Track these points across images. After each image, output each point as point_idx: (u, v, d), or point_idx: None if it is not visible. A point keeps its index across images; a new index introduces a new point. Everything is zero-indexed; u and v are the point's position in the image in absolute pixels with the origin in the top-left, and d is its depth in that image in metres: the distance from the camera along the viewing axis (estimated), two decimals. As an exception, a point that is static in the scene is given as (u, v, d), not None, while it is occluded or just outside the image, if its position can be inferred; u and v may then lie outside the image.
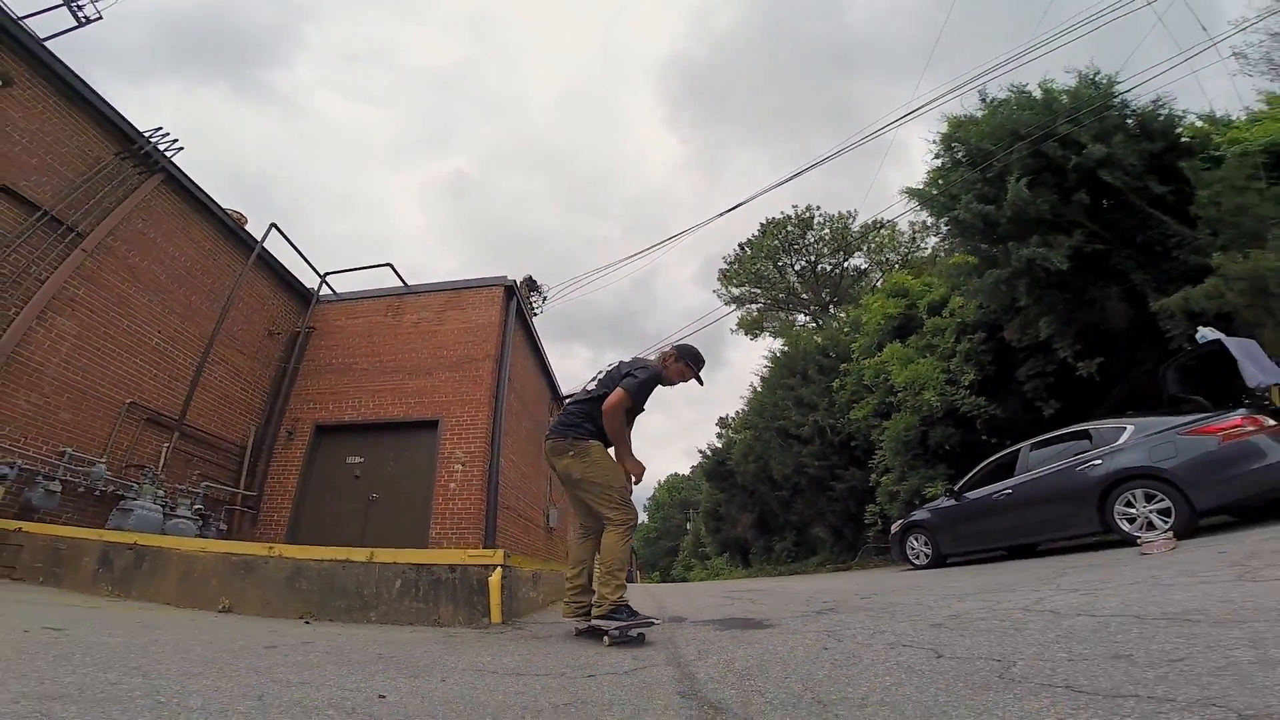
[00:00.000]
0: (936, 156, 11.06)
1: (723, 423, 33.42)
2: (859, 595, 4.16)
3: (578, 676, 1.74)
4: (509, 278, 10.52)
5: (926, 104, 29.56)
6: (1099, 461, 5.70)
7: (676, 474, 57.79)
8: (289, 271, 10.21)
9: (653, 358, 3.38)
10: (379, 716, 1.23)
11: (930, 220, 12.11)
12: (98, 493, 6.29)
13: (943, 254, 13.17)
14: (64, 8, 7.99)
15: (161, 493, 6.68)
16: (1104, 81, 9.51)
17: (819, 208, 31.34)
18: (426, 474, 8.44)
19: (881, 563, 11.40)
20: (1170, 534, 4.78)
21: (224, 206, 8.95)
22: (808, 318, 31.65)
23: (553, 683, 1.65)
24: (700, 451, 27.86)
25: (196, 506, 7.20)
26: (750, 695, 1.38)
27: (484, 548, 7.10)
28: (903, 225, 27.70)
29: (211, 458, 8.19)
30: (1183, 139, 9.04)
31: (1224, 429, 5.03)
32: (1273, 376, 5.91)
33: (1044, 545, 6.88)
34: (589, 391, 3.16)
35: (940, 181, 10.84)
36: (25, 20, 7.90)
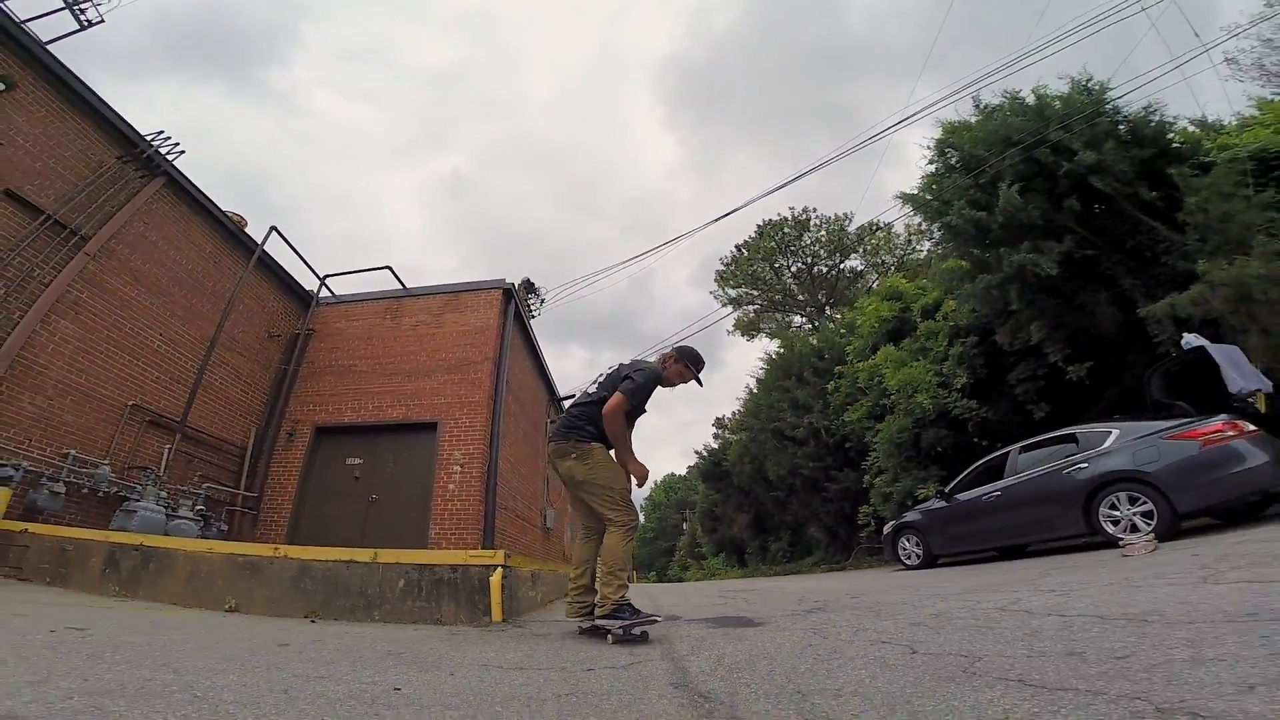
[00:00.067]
0: (930, 162, 11.20)
1: (719, 423, 33.57)
2: (849, 595, 4.28)
3: (577, 670, 1.86)
4: (507, 280, 10.61)
5: (924, 109, 29.75)
6: (1085, 465, 5.84)
7: (673, 474, 57.92)
8: (288, 274, 10.29)
9: (653, 359, 3.45)
10: (397, 706, 1.34)
11: (924, 225, 12.23)
12: (101, 494, 6.37)
13: (936, 258, 13.32)
14: (66, 11, 8.04)
15: (164, 494, 6.76)
16: (1096, 88, 9.63)
17: (815, 210, 31.54)
18: (425, 475, 8.54)
19: (875, 563, 11.55)
20: (1152, 536, 4.91)
21: (224, 209, 9.03)
22: (804, 319, 31.83)
23: (554, 676, 1.76)
24: (697, 452, 28.03)
25: (198, 507, 7.29)
26: (737, 686, 1.50)
27: (483, 548, 7.21)
28: (899, 228, 27.88)
29: (212, 459, 8.27)
30: (1174, 144, 9.16)
31: (1205, 434, 5.17)
32: (1254, 382, 6.07)
33: (1034, 546, 7.01)
34: (590, 395, 3.22)
35: (934, 187, 10.97)
36: (28, 24, 7.98)
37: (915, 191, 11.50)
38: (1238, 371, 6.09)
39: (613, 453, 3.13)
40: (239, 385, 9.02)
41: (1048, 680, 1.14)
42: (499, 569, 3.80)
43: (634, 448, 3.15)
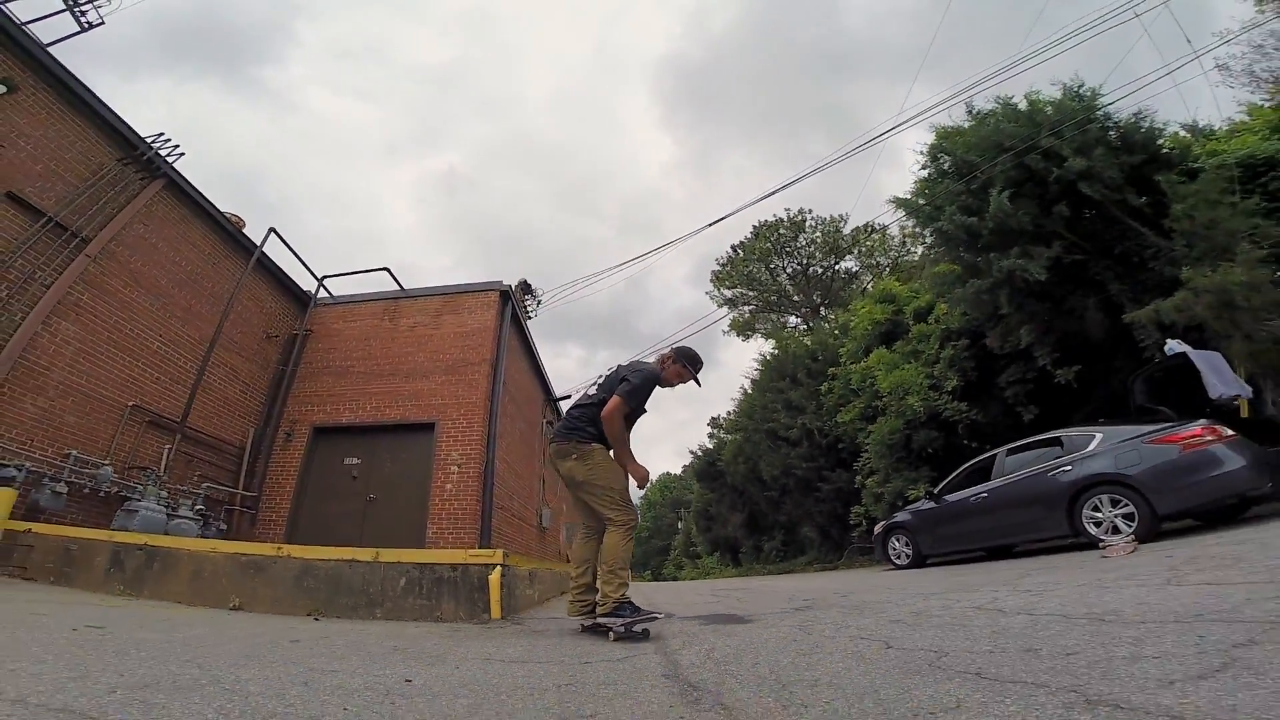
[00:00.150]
0: (923, 167, 11.34)
1: (714, 423, 33.72)
2: (837, 594, 4.42)
3: (575, 663, 1.98)
4: (504, 282, 10.71)
5: (919, 114, 29.98)
6: (1069, 467, 5.98)
7: (668, 473, 58.10)
8: (286, 275, 10.35)
9: (651, 360, 3.52)
10: (410, 696, 1.45)
11: (917, 229, 12.40)
12: (102, 494, 6.44)
13: (929, 262, 13.48)
14: (67, 13, 8.08)
15: (164, 494, 6.84)
16: (1088, 94, 9.77)
17: (811, 211, 31.70)
18: (423, 475, 8.63)
19: (866, 562, 11.71)
20: (1132, 538, 5.06)
21: (222, 210, 9.09)
22: (799, 320, 32.02)
23: (554, 668, 1.88)
24: (692, 452, 28.17)
25: (198, 507, 7.36)
26: (724, 677, 1.62)
27: (480, 547, 7.31)
28: (893, 230, 28.06)
29: (211, 459, 8.34)
30: (1164, 150, 9.28)
31: (1185, 438, 5.30)
32: (1233, 388, 6.23)
33: (1020, 547, 7.16)
34: (589, 396, 3.28)
35: (927, 192, 11.12)
36: (29, 25, 8.02)
37: (909, 196, 11.67)
38: (1218, 378, 6.25)
39: (612, 454, 3.18)
40: (237, 385, 9.09)
41: (1002, 674, 1.27)
42: (498, 568, 3.91)
43: (632, 447, 3.19)
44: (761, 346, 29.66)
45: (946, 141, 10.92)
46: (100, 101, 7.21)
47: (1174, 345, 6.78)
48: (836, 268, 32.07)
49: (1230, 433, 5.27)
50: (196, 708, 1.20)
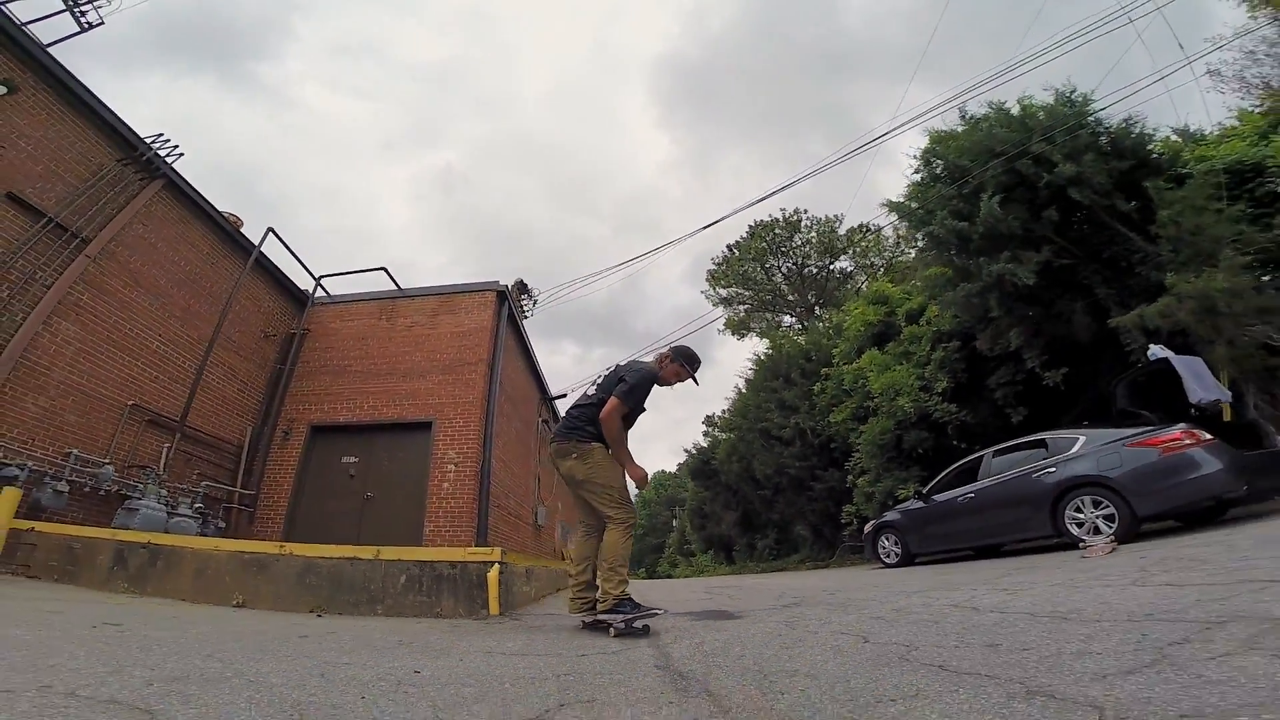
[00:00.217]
0: (916, 172, 11.48)
1: (709, 421, 33.88)
2: (825, 591, 4.56)
3: (572, 656, 2.10)
4: (501, 282, 10.80)
5: (914, 118, 30.15)
6: (1053, 469, 6.13)
7: (664, 471, 58.31)
8: (284, 274, 10.40)
9: (650, 359, 3.56)
10: (421, 685, 1.57)
11: (909, 232, 12.56)
12: (103, 492, 6.51)
13: (922, 265, 13.64)
14: (67, 13, 8.11)
15: (164, 492, 6.91)
16: (1080, 100, 9.89)
17: (806, 211, 31.90)
18: (420, 474, 8.73)
19: (857, 561, 11.88)
20: (1112, 539, 5.21)
21: (220, 209, 9.14)
22: (793, 319, 32.21)
23: (552, 660, 2.00)
24: (686, 450, 28.31)
25: (197, 505, 7.44)
26: (711, 668, 1.75)
27: (477, 545, 7.41)
28: (888, 231, 28.26)
29: (209, 457, 8.41)
30: (1154, 155, 9.38)
31: (1164, 442, 5.45)
32: (1213, 393, 6.39)
33: (1008, 546, 7.31)
34: (589, 397, 3.32)
35: (919, 196, 11.26)
36: (29, 26, 8.05)
37: (902, 199, 11.81)
38: (1199, 383, 6.40)
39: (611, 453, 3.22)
40: (235, 384, 9.15)
41: (962, 666, 1.39)
42: (496, 565, 4.03)
43: (630, 444, 3.24)
44: (756, 346, 29.81)
45: (939, 146, 11.05)
46: (100, 102, 7.25)
47: (1156, 350, 6.94)
48: (831, 268, 32.29)
49: (1208, 437, 5.41)
50: (228, 698, 1.30)
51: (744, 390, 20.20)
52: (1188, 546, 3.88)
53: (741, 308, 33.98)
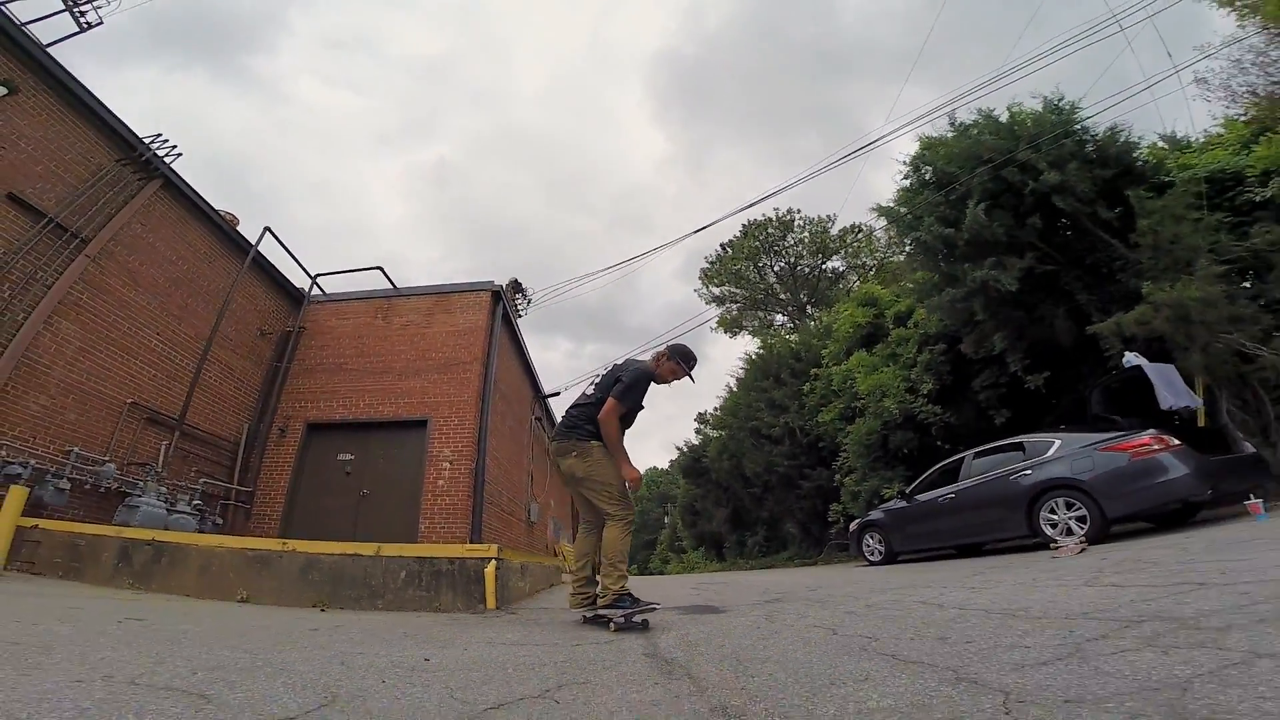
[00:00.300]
0: (905, 177, 11.69)
1: (701, 418, 34.13)
2: (808, 588, 4.77)
3: (568, 645, 2.29)
4: (495, 282, 10.94)
5: (908, 123, 30.45)
6: (1029, 471, 6.36)
7: (655, 468, 58.69)
8: (280, 272, 10.49)
9: (647, 358, 3.64)
10: (432, 671, 1.74)
11: (897, 237, 12.78)
12: (103, 490, 6.61)
13: (910, 270, 13.88)
14: (66, 13, 8.16)
15: (164, 489, 7.03)
16: (1067, 108, 10.09)
17: (799, 211, 32.16)
18: (415, 471, 8.88)
19: (843, 558, 12.15)
20: (1082, 540, 5.43)
21: (216, 208, 9.22)
22: (785, 318, 32.51)
23: (550, 649, 2.19)
24: (678, 448, 28.54)
25: (195, 502, 7.56)
26: (694, 656, 1.94)
27: (471, 542, 7.58)
28: (879, 232, 28.54)
29: (207, 454, 8.52)
30: (1138, 163, 9.56)
31: (1134, 447, 5.67)
32: (1183, 399, 6.66)
33: (989, 545, 7.55)
34: (588, 396, 3.39)
35: (908, 202, 11.48)
36: (28, 26, 8.09)
37: (891, 204, 12.03)
38: (1170, 390, 6.67)
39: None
40: (232, 382, 9.25)
41: (911, 656, 1.58)
42: (493, 561, 4.20)
43: (627, 442, 3.31)
44: (748, 344, 30.10)
45: (929, 152, 11.26)
46: (100, 103, 7.32)
47: (1131, 358, 7.19)
48: (823, 267, 32.60)
49: (1176, 442, 5.63)
50: (266, 684, 1.47)
51: (735, 389, 20.45)
52: (1148, 549, 4.10)
53: (734, 306, 34.24)
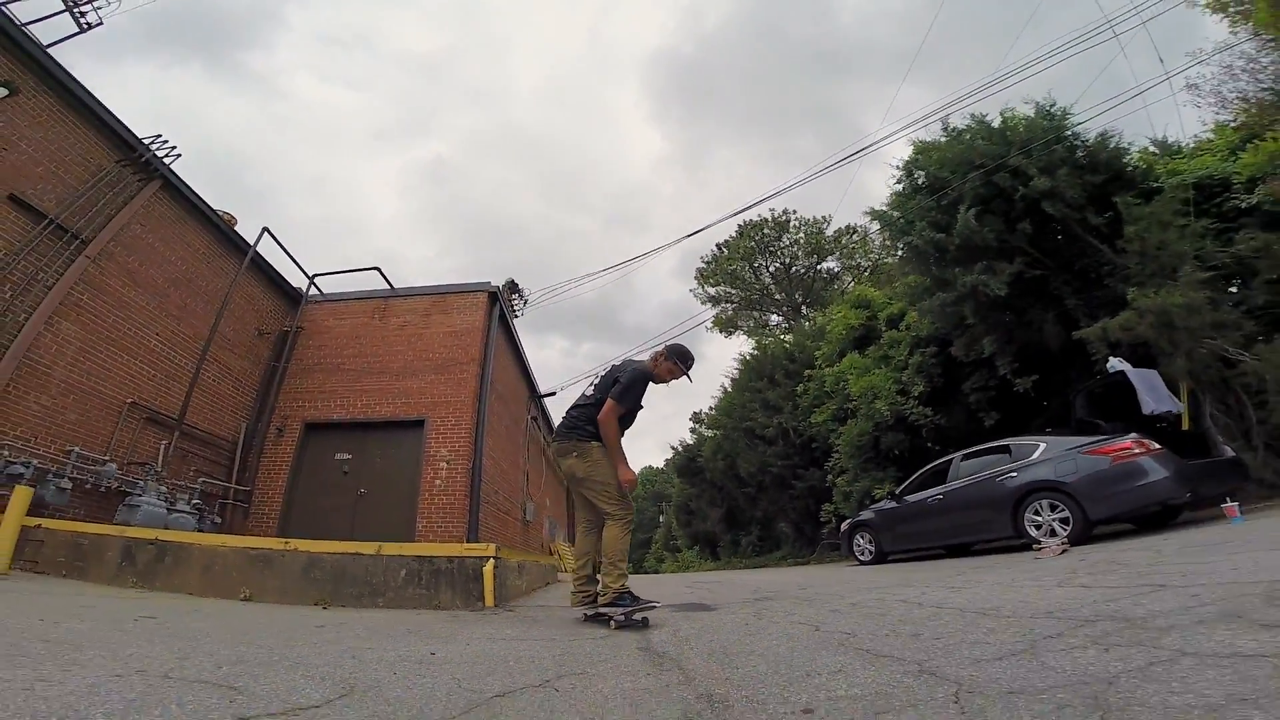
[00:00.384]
0: (898, 181, 11.84)
1: (696, 418, 34.26)
2: (798, 587, 4.90)
3: (565, 640, 2.42)
4: (492, 283, 11.04)
5: (903, 127, 30.63)
6: (1015, 474, 6.50)
7: (650, 467, 58.84)
8: (278, 272, 10.55)
9: (645, 357, 3.71)
10: (438, 663, 1.86)
11: (890, 241, 12.93)
12: (103, 489, 6.68)
13: (902, 273, 14.04)
14: (66, 14, 8.20)
15: (164, 489, 7.10)
16: (1058, 114, 10.23)
17: (795, 212, 32.34)
18: (412, 471, 8.97)
19: (835, 558, 12.31)
20: (1064, 541, 5.58)
21: (214, 208, 9.27)
22: (780, 318, 32.70)
23: (548, 644, 2.32)
24: (673, 447, 28.69)
25: (194, 501, 7.63)
26: (684, 650, 2.08)
27: (468, 541, 7.69)
28: (874, 233, 28.71)
29: (205, 454, 8.59)
30: (1128, 169, 9.68)
31: (1115, 450, 5.82)
32: (1165, 404, 6.83)
33: (978, 545, 7.69)
34: (587, 397, 3.45)
35: (901, 206, 11.62)
36: (28, 27, 8.13)
37: (885, 208, 12.17)
38: (1152, 395, 6.83)
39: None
40: (229, 381, 9.32)
41: (884, 650, 1.71)
42: (491, 560, 4.32)
43: (627, 439, 3.39)
44: (743, 345, 30.27)
45: (922, 157, 11.40)
46: (100, 104, 7.37)
47: (1115, 363, 7.35)
48: (819, 268, 32.79)
49: (1157, 446, 5.78)
50: (286, 676, 1.58)
51: (729, 389, 20.60)
52: (1123, 551, 4.25)
53: (729, 306, 34.41)
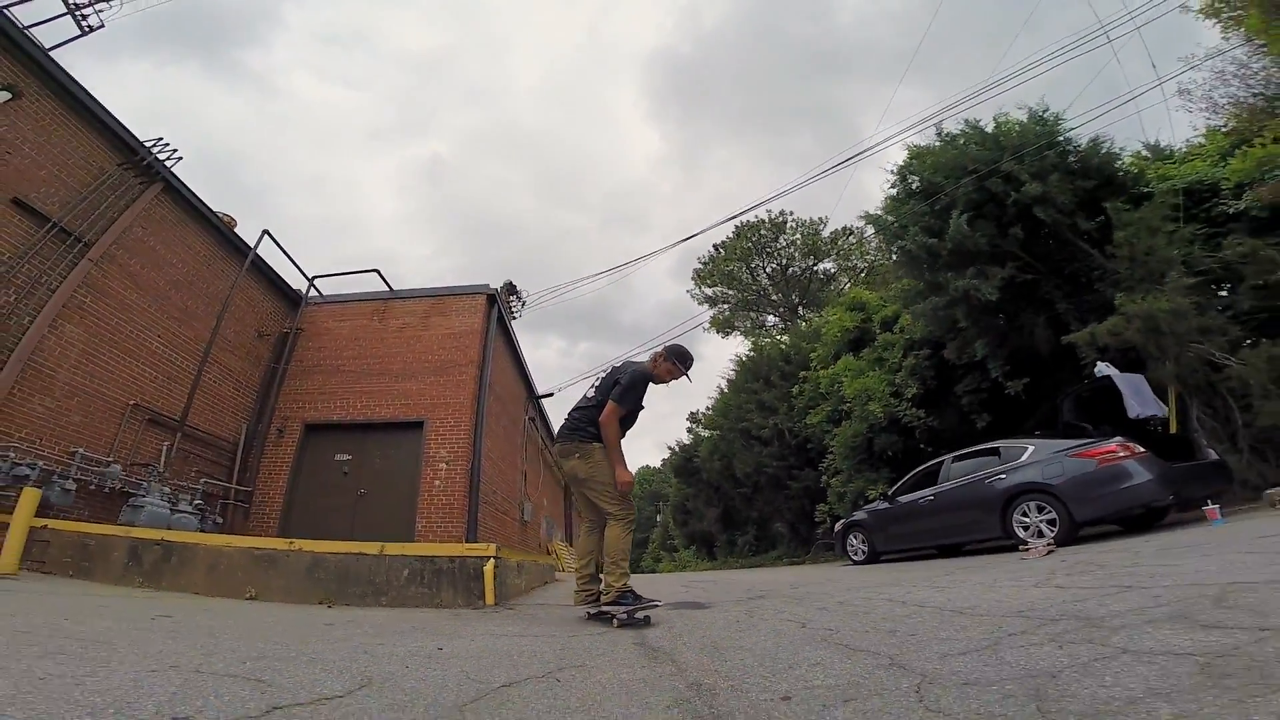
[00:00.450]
0: (893, 186, 11.97)
1: (693, 418, 34.38)
2: (790, 586, 5.03)
3: (564, 636, 2.55)
4: (490, 286, 11.14)
5: (900, 131, 30.81)
6: (1004, 475, 6.64)
7: (648, 467, 58.96)
8: (278, 274, 10.64)
9: (644, 358, 3.78)
10: (446, 658, 1.98)
11: (883, 245, 13.07)
12: (107, 490, 6.77)
13: (896, 277, 14.18)
14: (68, 16, 8.26)
15: (167, 489, 7.19)
16: (1051, 119, 10.36)
17: (792, 213, 32.50)
18: (412, 472, 9.08)
19: (830, 558, 12.46)
20: (1050, 542, 5.71)
21: (214, 210, 9.34)
22: (777, 319, 32.86)
23: (549, 639, 2.45)
24: (670, 447, 28.82)
25: (196, 502, 7.72)
26: (677, 645, 2.21)
27: (467, 541, 7.80)
28: (869, 235, 28.88)
29: (206, 454, 8.68)
30: (1119, 174, 9.80)
31: (1101, 453, 5.96)
32: (1150, 409, 6.98)
33: (969, 546, 7.82)
34: (589, 399, 3.50)
35: (895, 210, 11.76)
36: (30, 30, 8.19)
37: (879, 212, 12.32)
38: (1137, 399, 6.98)
39: None
40: (230, 383, 9.40)
41: (861, 645, 1.84)
42: (491, 560, 4.43)
43: (628, 439, 3.45)
44: (740, 345, 30.43)
45: (916, 162, 11.53)
46: (101, 106, 7.44)
47: (1102, 368, 7.50)
48: (815, 269, 32.96)
49: (1141, 450, 5.91)
50: (307, 670, 1.70)
51: (726, 390, 20.74)
52: (1104, 552, 4.38)
53: (726, 307, 34.54)
